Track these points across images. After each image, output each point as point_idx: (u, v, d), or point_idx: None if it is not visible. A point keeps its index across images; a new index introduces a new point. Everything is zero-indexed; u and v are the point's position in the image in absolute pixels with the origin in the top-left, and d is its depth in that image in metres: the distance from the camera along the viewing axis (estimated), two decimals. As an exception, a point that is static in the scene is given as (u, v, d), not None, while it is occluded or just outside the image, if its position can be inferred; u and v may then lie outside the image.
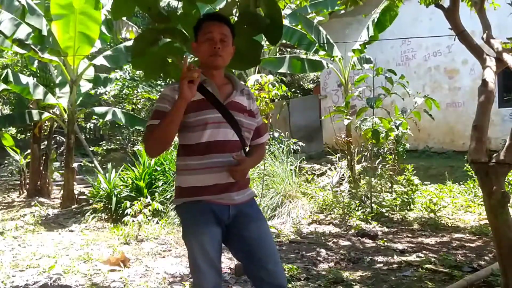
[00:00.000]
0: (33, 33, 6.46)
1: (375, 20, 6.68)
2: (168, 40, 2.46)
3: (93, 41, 7.02)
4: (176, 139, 2.01)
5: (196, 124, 1.85)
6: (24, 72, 9.52)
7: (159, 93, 2.82)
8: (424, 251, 4.08)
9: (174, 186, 2.06)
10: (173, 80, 2.58)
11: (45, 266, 3.98)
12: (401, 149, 6.59)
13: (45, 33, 6.51)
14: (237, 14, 2.52)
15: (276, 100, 12.78)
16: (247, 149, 2.03)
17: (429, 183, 6.93)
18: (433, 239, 4.56)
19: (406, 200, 5.80)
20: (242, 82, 2.12)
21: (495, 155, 2.43)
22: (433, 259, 3.77)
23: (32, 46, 6.80)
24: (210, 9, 6.00)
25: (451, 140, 9.10)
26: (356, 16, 9.31)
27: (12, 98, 10.27)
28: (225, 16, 2.00)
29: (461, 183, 6.69)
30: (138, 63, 2.59)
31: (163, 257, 4.27)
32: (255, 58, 2.46)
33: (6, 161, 10.98)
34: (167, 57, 2.47)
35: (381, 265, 3.75)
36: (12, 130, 12.72)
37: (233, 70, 3.13)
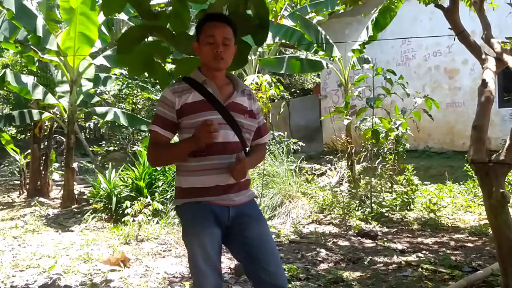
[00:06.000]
0: (28, 33, 6.44)
1: (375, 20, 6.67)
2: (155, 38, 2.42)
3: (93, 42, 7.02)
4: (176, 139, 2.00)
5: (196, 125, 1.82)
6: (24, 72, 9.51)
7: (160, 93, 2.81)
8: (424, 251, 4.08)
9: (175, 187, 2.06)
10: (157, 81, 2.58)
11: (45, 266, 3.97)
12: (401, 149, 6.59)
13: (40, 33, 6.48)
14: (227, 14, 2.49)
15: (276, 100, 12.80)
16: (248, 149, 2.02)
17: (429, 183, 6.93)
18: (433, 239, 4.56)
19: (406, 200, 5.80)
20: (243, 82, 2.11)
21: (495, 155, 2.43)
22: (433, 259, 3.77)
23: (32, 47, 6.78)
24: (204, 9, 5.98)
25: (451, 140, 9.11)
26: (356, 16, 9.31)
27: (12, 97, 10.27)
28: (227, 16, 1.98)
29: (461, 183, 6.68)
30: (123, 59, 2.55)
31: (163, 257, 4.26)
32: (242, 60, 2.39)
33: (6, 161, 10.97)
34: (152, 55, 2.42)
35: (381, 265, 3.75)
36: (12, 130, 12.72)
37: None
